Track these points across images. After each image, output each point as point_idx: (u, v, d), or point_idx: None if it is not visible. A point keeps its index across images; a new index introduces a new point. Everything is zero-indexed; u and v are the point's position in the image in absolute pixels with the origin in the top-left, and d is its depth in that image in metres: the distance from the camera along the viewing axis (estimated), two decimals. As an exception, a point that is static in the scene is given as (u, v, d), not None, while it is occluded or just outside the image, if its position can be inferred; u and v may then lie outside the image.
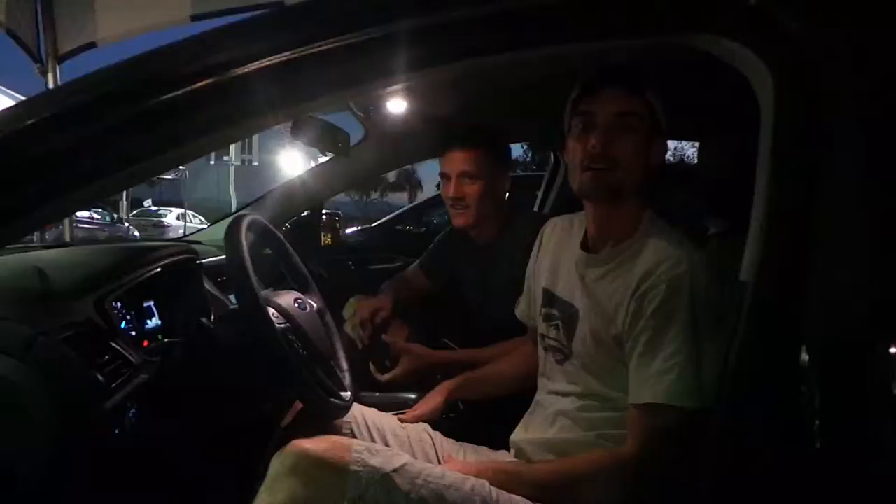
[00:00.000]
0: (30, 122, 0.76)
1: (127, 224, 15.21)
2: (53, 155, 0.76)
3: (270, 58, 0.84)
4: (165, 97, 0.80)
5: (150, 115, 0.81)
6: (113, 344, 1.01)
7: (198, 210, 20.12)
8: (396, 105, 1.80)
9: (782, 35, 0.83)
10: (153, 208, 19.20)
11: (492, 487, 1.06)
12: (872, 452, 0.77)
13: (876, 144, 0.82)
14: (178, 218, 18.18)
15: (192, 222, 18.10)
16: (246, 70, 0.84)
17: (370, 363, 1.77)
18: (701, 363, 1.00)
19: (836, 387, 0.79)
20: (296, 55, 0.86)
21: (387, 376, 1.71)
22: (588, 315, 1.15)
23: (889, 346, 0.77)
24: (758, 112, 0.92)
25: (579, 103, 1.13)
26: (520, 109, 2.10)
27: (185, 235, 2.48)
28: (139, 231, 15.52)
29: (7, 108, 0.79)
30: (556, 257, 1.30)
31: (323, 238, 2.58)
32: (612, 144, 1.08)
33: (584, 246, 1.22)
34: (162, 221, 17.47)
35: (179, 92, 0.81)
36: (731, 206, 1.36)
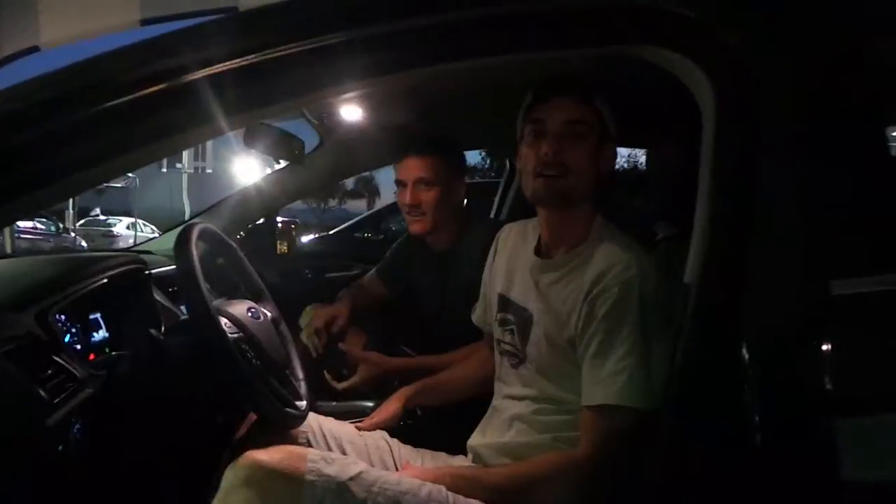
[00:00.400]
0: None
1: (73, 234, 14.67)
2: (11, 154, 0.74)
3: (223, 63, 0.83)
4: (111, 103, 0.79)
5: (95, 120, 0.79)
6: (56, 358, 0.97)
7: (149, 219, 19.56)
8: (351, 112, 1.79)
9: (722, 47, 0.87)
10: (102, 217, 18.59)
11: (448, 493, 1.07)
12: (810, 447, 0.81)
13: (811, 152, 0.86)
14: (128, 227, 17.65)
15: (142, 231, 17.59)
16: (197, 76, 0.83)
17: (326, 372, 1.75)
18: (651, 364, 1.03)
19: (775, 383, 0.82)
20: (249, 61, 0.85)
21: (344, 385, 1.71)
22: (542, 319, 1.17)
23: (821, 343, 0.81)
24: (699, 119, 0.96)
25: (531, 111, 1.16)
26: (475, 116, 2.12)
27: (134, 245, 2.41)
28: (87, 241, 14.98)
29: None
30: (510, 263, 1.31)
31: (279, 246, 2.55)
32: (563, 151, 1.11)
33: (538, 251, 1.24)
34: (111, 231, 16.93)
35: (127, 98, 0.79)
36: (678, 210, 1.40)
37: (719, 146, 0.90)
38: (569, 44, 0.93)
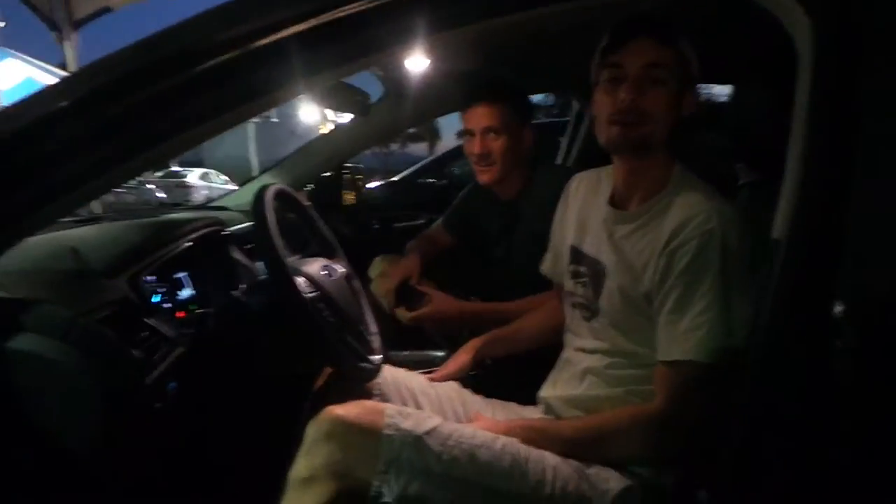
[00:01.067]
0: (61, 104, 0.76)
1: (151, 186, 15.37)
2: (88, 136, 0.77)
3: (294, 27, 0.82)
4: (192, 71, 0.80)
5: (178, 90, 0.80)
6: (148, 320, 1.03)
7: (220, 169, 20.23)
8: (416, 62, 1.76)
9: None
10: (176, 169, 19.35)
11: (522, 445, 1.08)
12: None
13: None
14: (200, 178, 18.32)
15: (215, 182, 18.24)
16: (270, 40, 0.82)
17: (397, 310, 1.77)
18: (731, 320, 0.99)
19: (872, 346, 0.78)
20: (319, 22, 0.84)
21: (414, 314, 1.72)
22: (616, 271, 1.14)
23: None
24: (793, 59, 0.88)
25: (608, 54, 1.09)
26: (542, 59, 2.04)
27: (209, 201, 2.50)
28: (165, 192, 15.68)
29: (34, 94, 0.79)
30: (582, 213, 1.28)
31: (346, 196, 2.59)
32: (641, 97, 1.05)
33: (612, 202, 1.20)
34: (185, 182, 17.62)
35: (206, 65, 0.80)
36: (763, 155, 1.32)
37: (817, 90, 0.83)
38: None
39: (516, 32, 1.71)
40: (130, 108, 0.80)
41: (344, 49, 0.88)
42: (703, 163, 1.21)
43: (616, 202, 1.20)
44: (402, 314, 1.73)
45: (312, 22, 0.83)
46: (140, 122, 0.80)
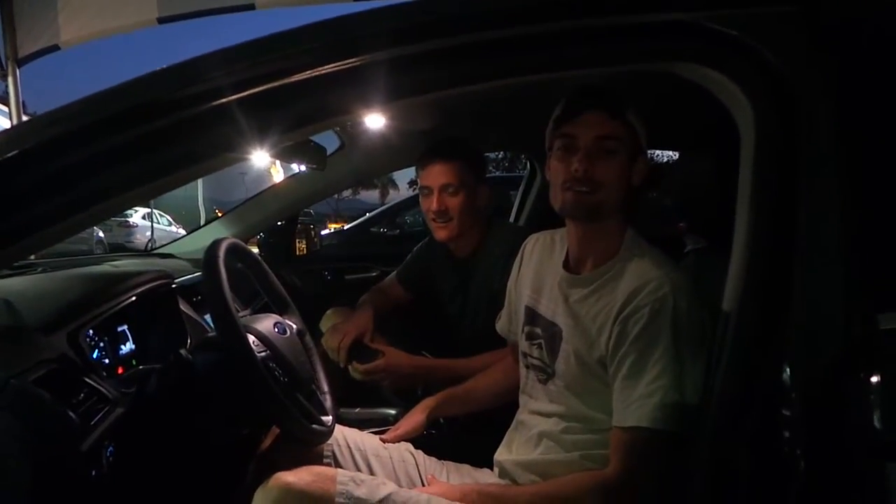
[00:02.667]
0: (10, 153, 0.74)
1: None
2: (35, 189, 0.74)
3: (252, 88, 0.82)
4: (151, 126, 0.79)
5: (138, 144, 0.79)
6: (87, 379, 0.98)
7: (166, 209, 19.70)
8: (373, 119, 1.77)
9: (764, 68, 0.84)
10: (118, 208, 18.73)
11: (478, 512, 1.06)
12: (854, 485, 0.79)
13: (854, 175, 0.84)
14: (144, 217, 17.77)
15: (158, 223, 17.71)
16: (233, 98, 0.82)
17: (350, 366, 1.73)
18: (684, 386, 1.01)
19: (818, 417, 0.80)
20: (277, 84, 0.85)
21: (366, 367, 1.68)
22: (571, 335, 1.15)
23: (870, 375, 0.78)
24: (736, 130, 0.93)
25: (561, 124, 1.13)
26: (497, 119, 2.10)
27: (155, 247, 2.42)
28: (103, 232, 15.07)
29: None
30: (538, 275, 1.30)
31: (297, 246, 2.55)
32: (594, 167, 1.09)
33: (566, 265, 1.23)
34: (128, 221, 17.00)
35: (166, 120, 0.79)
36: (708, 222, 1.38)
37: (759, 167, 0.88)
38: (609, 61, 0.91)
39: (472, 96, 1.76)
40: (82, 162, 0.77)
41: (304, 111, 0.88)
42: (649, 224, 1.25)
43: (570, 265, 1.22)
44: (355, 370, 1.69)
45: (274, 83, 0.83)
46: (91, 175, 0.78)
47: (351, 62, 0.85)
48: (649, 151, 1.21)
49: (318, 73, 0.85)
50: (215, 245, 1.12)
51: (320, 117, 0.93)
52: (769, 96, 0.86)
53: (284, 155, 1.70)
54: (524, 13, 0.85)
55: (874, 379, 0.77)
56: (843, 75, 0.85)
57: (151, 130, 0.80)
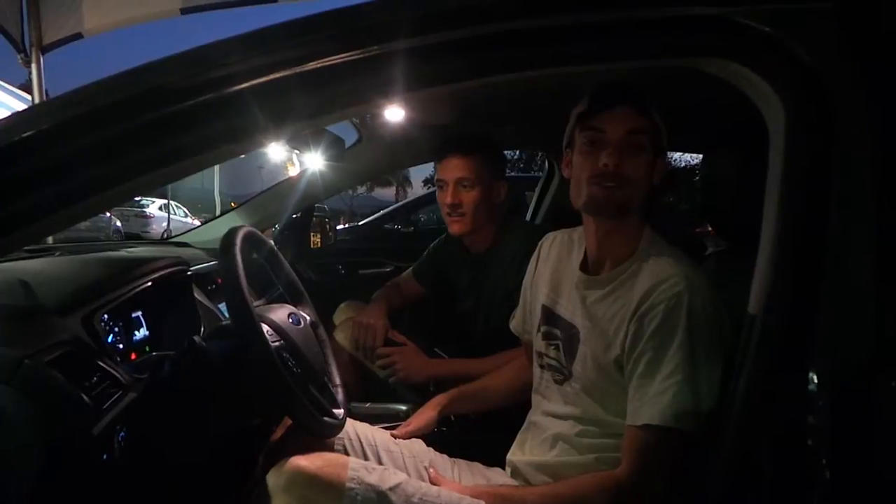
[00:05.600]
0: (25, 134, 0.73)
1: (109, 214, 14.98)
2: (51, 168, 0.74)
3: (276, 73, 0.81)
4: (168, 110, 0.78)
5: (152, 128, 0.78)
6: (100, 363, 0.97)
7: (183, 201, 19.89)
8: (393, 113, 1.77)
9: (796, 64, 0.82)
10: (136, 198, 18.95)
11: (487, 509, 1.05)
12: (878, 487, 0.76)
13: (887, 176, 0.81)
14: (160, 209, 17.94)
15: (175, 214, 17.88)
16: (249, 85, 0.81)
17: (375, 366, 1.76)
18: (698, 385, 0.98)
19: (844, 420, 0.78)
20: (297, 71, 0.84)
21: (382, 361, 1.74)
22: (589, 338, 1.14)
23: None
24: (763, 132, 0.91)
25: (587, 119, 1.11)
26: (516, 117, 2.08)
27: (171, 237, 2.44)
28: (121, 221, 15.26)
29: (2, 120, 0.76)
30: (556, 274, 1.28)
31: (312, 239, 2.55)
32: (623, 163, 1.07)
33: (584, 266, 1.21)
34: (144, 212, 17.20)
35: (182, 105, 0.78)
36: (732, 224, 1.35)
37: (789, 166, 0.85)
38: (635, 55, 0.89)
39: (492, 91, 1.75)
40: (101, 143, 0.77)
41: (321, 100, 0.87)
42: (665, 228, 1.23)
43: (588, 267, 1.20)
44: (379, 370, 1.72)
45: (290, 70, 0.82)
46: (110, 157, 0.78)
47: (370, 51, 0.84)
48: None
49: (336, 61, 0.84)
50: (232, 232, 1.11)
51: (338, 107, 0.92)
52: (801, 93, 0.84)
53: (303, 145, 1.70)
54: (552, 4, 0.84)
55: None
56: (876, 72, 0.83)
57: (167, 115, 0.79)
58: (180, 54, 0.83)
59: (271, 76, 0.83)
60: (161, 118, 0.79)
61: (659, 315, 1.03)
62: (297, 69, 0.83)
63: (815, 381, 0.79)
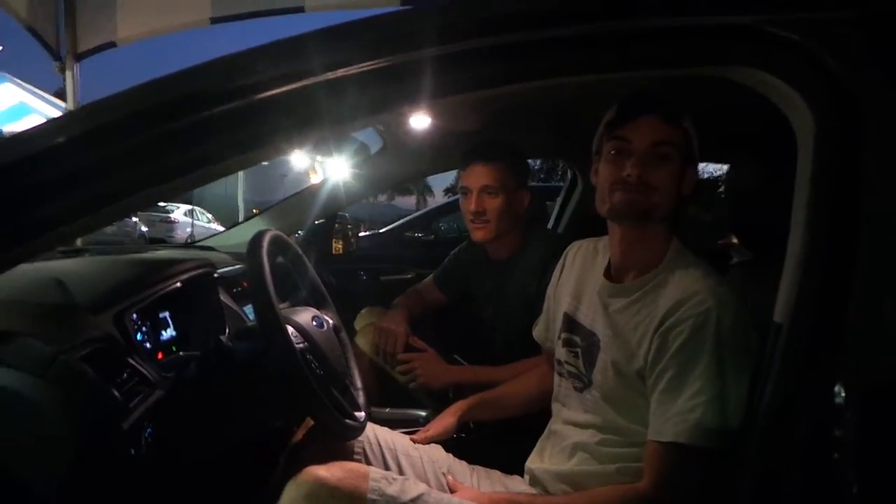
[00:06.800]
0: (60, 139, 0.76)
1: (135, 219, 15.24)
2: (85, 172, 0.76)
3: (304, 81, 0.83)
4: (197, 116, 0.80)
5: (180, 134, 0.80)
6: (130, 360, 1.00)
7: (205, 206, 20.17)
8: (417, 120, 1.78)
9: (826, 74, 0.82)
10: (161, 204, 19.24)
11: (508, 518, 1.05)
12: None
13: None
14: (185, 214, 18.21)
15: (199, 220, 18.13)
16: (277, 92, 0.83)
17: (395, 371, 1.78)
18: (726, 403, 0.97)
19: (873, 433, 0.77)
20: (327, 78, 0.85)
21: (402, 367, 1.75)
22: (610, 346, 1.13)
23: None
24: (789, 141, 0.91)
25: (615, 128, 1.11)
26: (539, 126, 2.09)
27: (196, 241, 2.48)
28: (147, 227, 15.52)
29: (36, 126, 0.78)
30: (579, 282, 1.28)
31: (335, 245, 2.58)
32: (647, 173, 1.07)
33: (608, 274, 1.20)
34: (169, 217, 17.46)
35: (212, 111, 0.80)
36: (759, 234, 1.34)
37: (818, 177, 0.85)
38: (666, 64, 0.89)
39: (516, 99, 1.76)
40: (133, 148, 0.79)
41: (348, 107, 0.89)
42: (693, 237, 1.22)
43: (612, 274, 1.20)
44: (399, 376, 1.72)
45: (320, 77, 0.84)
46: (142, 162, 0.80)
47: (397, 59, 0.85)
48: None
49: (364, 69, 0.85)
50: (260, 235, 1.13)
51: (365, 114, 0.94)
52: (829, 102, 0.83)
53: (327, 152, 1.72)
54: (581, 12, 0.84)
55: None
56: None
57: (194, 122, 0.81)
58: (208, 62, 0.85)
59: (299, 84, 0.84)
60: (189, 125, 0.81)
61: (686, 331, 1.01)
62: (325, 77, 0.85)
63: (843, 393, 0.78)
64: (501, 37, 0.86)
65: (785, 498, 0.81)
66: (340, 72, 0.85)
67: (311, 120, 0.87)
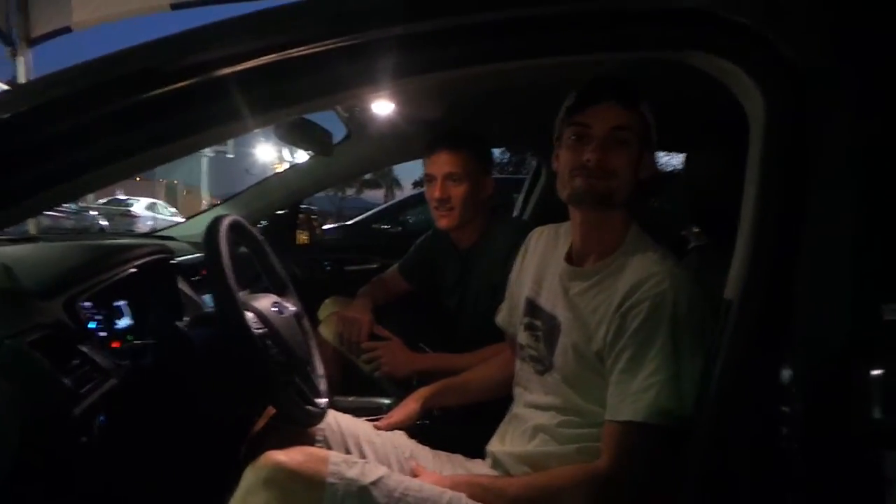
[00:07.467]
0: (5, 116, 0.73)
1: (94, 213, 14.83)
2: (30, 150, 0.73)
3: (261, 58, 0.82)
4: (151, 94, 0.78)
5: (134, 111, 0.78)
6: (82, 347, 0.97)
7: (168, 202, 19.74)
8: (381, 106, 1.77)
9: (778, 59, 0.83)
10: (122, 197, 18.74)
11: (468, 500, 1.05)
12: (852, 477, 0.78)
13: (867, 170, 0.83)
14: (147, 208, 17.78)
15: (162, 214, 17.74)
16: (231, 70, 0.82)
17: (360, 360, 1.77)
18: (681, 382, 0.99)
19: (819, 409, 0.79)
20: (282, 57, 0.84)
21: (367, 355, 1.76)
22: (570, 328, 1.14)
23: (870, 369, 0.77)
24: (745, 128, 0.93)
25: (574, 113, 1.12)
26: (504, 113, 2.09)
27: (157, 230, 2.42)
28: (107, 220, 15.13)
29: None
30: (540, 267, 1.29)
31: (300, 236, 2.55)
32: (607, 158, 1.08)
33: (569, 258, 1.22)
34: (130, 211, 17.04)
35: (166, 89, 0.78)
36: (715, 219, 1.37)
37: (768, 160, 0.87)
38: (618, 47, 0.90)
39: (480, 87, 1.76)
40: (80, 126, 0.77)
41: (306, 86, 0.88)
42: (655, 226, 1.24)
43: (573, 259, 1.21)
44: (363, 364, 1.72)
45: (276, 56, 0.83)
46: (90, 141, 0.77)
47: (356, 38, 0.85)
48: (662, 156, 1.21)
49: (321, 48, 0.84)
50: (218, 220, 1.11)
51: (325, 94, 0.92)
52: (782, 88, 0.85)
53: (291, 138, 1.70)
54: None
55: (876, 372, 0.76)
56: (858, 68, 0.84)
57: (149, 99, 0.79)
58: (164, 38, 0.83)
59: (257, 61, 0.83)
60: (143, 102, 0.79)
61: (643, 312, 1.04)
62: (282, 55, 0.84)
63: (791, 370, 0.81)
64: (460, 18, 0.86)
65: (733, 473, 0.83)
66: (299, 50, 0.84)
67: (271, 100, 0.86)
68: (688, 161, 1.45)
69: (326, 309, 1.97)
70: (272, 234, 2.44)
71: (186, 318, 1.39)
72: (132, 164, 0.85)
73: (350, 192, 25.75)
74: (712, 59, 0.90)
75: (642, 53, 0.94)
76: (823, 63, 0.84)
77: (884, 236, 0.81)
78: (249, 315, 1.08)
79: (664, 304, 1.03)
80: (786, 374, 0.81)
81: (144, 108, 0.79)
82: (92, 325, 1.16)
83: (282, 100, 0.88)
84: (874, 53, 0.85)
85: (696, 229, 1.51)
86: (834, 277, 0.81)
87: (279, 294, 1.33)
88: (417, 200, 5.96)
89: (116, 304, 1.29)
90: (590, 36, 0.88)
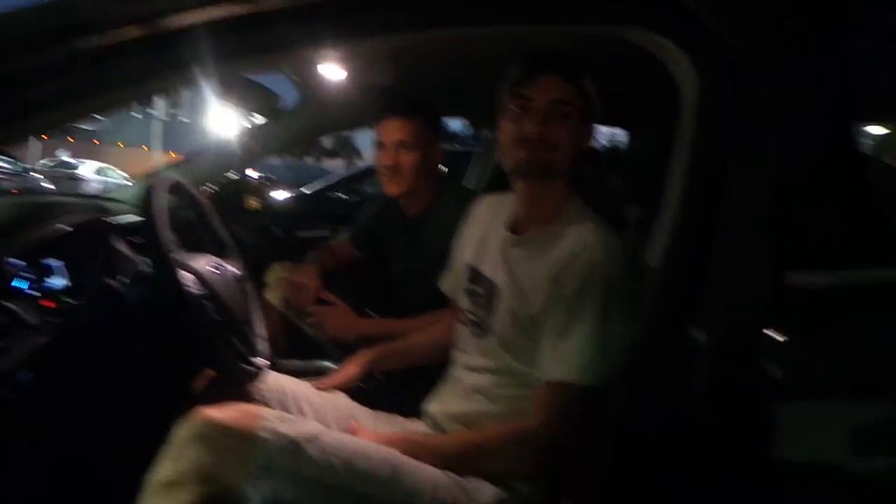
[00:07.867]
0: None
1: (38, 175, 14.19)
2: None
3: (202, 10, 0.80)
4: (86, 42, 0.75)
5: (68, 59, 0.75)
6: (6, 303, 0.94)
7: (117, 166, 19.03)
8: (333, 70, 1.75)
9: (710, 35, 0.86)
10: (67, 160, 17.96)
11: (403, 456, 1.08)
12: (751, 429, 0.83)
13: (789, 149, 0.87)
14: (96, 172, 17.10)
15: (111, 177, 17.11)
16: (175, 22, 0.80)
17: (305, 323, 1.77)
18: (609, 346, 1.04)
19: (724, 368, 0.84)
20: (224, 13, 0.82)
21: (311, 319, 1.77)
22: (508, 293, 1.17)
23: (775, 332, 0.82)
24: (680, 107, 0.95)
25: (518, 86, 1.14)
26: (456, 83, 2.09)
27: (104, 192, 2.35)
28: (52, 184, 14.53)
29: None
30: (483, 235, 1.31)
31: (249, 201, 2.51)
32: (549, 131, 1.11)
33: (512, 227, 1.24)
34: (76, 174, 16.35)
35: (100, 38, 0.76)
36: (652, 194, 1.41)
37: (696, 133, 0.90)
38: (557, 20, 0.91)
39: (431, 55, 1.75)
40: (13, 74, 0.74)
41: (249, 43, 0.86)
42: (597, 199, 1.27)
43: (514, 227, 1.24)
44: (308, 328, 1.72)
45: (217, 11, 0.81)
46: (18, 89, 0.75)
47: None
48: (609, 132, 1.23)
49: (263, 8, 0.83)
50: (156, 180, 1.09)
51: (268, 50, 0.91)
52: (715, 65, 0.88)
53: (236, 100, 1.66)
54: None
55: (781, 338, 0.81)
56: (792, 49, 0.87)
57: (87, 48, 0.77)
58: None
59: (195, 14, 0.81)
60: (75, 51, 0.76)
61: (576, 278, 1.07)
62: (221, 9, 0.82)
63: (703, 336, 0.85)
64: None
65: (646, 433, 0.87)
66: (242, 8, 0.82)
67: (212, 55, 0.84)
68: (630, 138, 1.48)
69: (274, 274, 1.96)
70: (222, 198, 2.39)
71: (125, 279, 1.37)
72: (69, 112, 0.82)
73: (309, 160, 25.32)
74: (651, 35, 0.93)
75: (586, 28, 0.95)
76: (754, 41, 0.87)
77: (793, 210, 0.85)
78: (186, 274, 1.07)
79: (596, 271, 1.07)
80: (699, 340, 0.85)
81: (85, 55, 0.76)
82: (21, 283, 1.12)
83: (224, 56, 0.86)
84: (804, 34, 0.88)
85: (636, 204, 1.56)
86: (748, 247, 0.86)
87: (220, 255, 1.31)
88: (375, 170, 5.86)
89: (48, 262, 1.25)
90: (531, 7, 0.89)
